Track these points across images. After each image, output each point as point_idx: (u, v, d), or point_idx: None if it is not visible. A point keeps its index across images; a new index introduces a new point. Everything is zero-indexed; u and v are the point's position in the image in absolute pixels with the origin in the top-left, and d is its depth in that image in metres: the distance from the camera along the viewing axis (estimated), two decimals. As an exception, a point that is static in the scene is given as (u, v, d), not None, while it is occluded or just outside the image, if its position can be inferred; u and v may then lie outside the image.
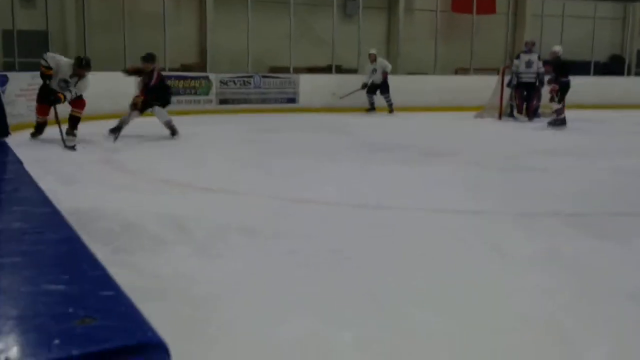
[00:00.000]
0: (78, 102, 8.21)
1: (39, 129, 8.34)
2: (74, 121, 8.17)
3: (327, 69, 15.08)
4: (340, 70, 15.30)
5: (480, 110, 12.47)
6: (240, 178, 6.15)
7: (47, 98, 8.04)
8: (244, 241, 3.95)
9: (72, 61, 8.12)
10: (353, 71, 15.34)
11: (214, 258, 3.61)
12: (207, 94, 12.95)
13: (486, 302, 3.05)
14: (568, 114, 11.59)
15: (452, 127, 11.00)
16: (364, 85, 13.54)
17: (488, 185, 6.08)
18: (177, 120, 8.94)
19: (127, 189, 5.49)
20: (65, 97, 8.02)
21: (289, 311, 2.85)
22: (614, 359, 2.52)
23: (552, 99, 10.89)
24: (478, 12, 17.01)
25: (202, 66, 14.43)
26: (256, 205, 5.01)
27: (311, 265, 3.48)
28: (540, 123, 11.52)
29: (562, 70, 10.95)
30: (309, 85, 13.97)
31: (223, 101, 13.18)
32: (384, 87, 13.53)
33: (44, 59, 8.00)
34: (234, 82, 13.30)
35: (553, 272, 3.46)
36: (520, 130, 10.90)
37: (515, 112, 12.23)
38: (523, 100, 12.14)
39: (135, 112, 8.41)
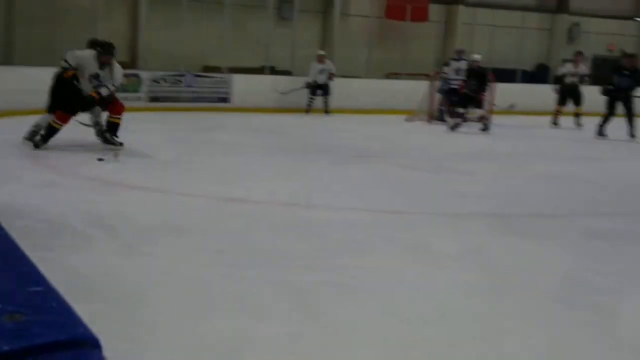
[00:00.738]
0: (115, 107, 7.18)
1: (49, 135, 7.02)
2: (114, 127, 7.16)
3: (260, 70, 15.05)
4: (274, 71, 15.30)
5: (411, 114, 12.73)
6: (169, 177, 6.07)
7: (79, 104, 7.01)
8: (171, 240, 3.91)
9: (92, 51, 7.02)
10: (287, 73, 15.37)
11: (140, 256, 3.56)
12: (136, 91, 12.70)
13: (410, 297, 3.13)
14: (499, 119, 12.02)
15: (384, 129, 11.16)
16: (308, 85, 13.61)
17: (416, 186, 6.21)
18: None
19: (50, 185, 5.34)
20: (100, 94, 6.95)
21: (216, 309, 2.86)
22: (528, 352, 2.63)
23: (479, 106, 11.22)
24: (411, 19, 17.35)
25: (132, 64, 14.14)
26: (185, 204, 4.96)
27: (239, 264, 3.48)
28: (468, 128, 11.86)
29: (484, 77, 11.35)
30: (243, 86, 13.89)
31: (154, 99, 12.96)
32: (326, 89, 13.62)
33: (64, 60, 6.91)
34: (165, 80, 13.10)
35: (475, 269, 3.58)
36: (449, 134, 11.18)
37: (445, 117, 12.52)
38: (452, 106, 12.47)
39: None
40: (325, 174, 6.65)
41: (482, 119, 11.16)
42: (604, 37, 20.36)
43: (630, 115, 10.47)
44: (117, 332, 2.48)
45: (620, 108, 10.49)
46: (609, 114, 10.56)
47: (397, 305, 3.01)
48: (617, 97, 10.50)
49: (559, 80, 12.91)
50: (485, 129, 11.07)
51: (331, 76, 13.55)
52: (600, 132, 10.57)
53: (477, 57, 11.79)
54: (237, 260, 3.55)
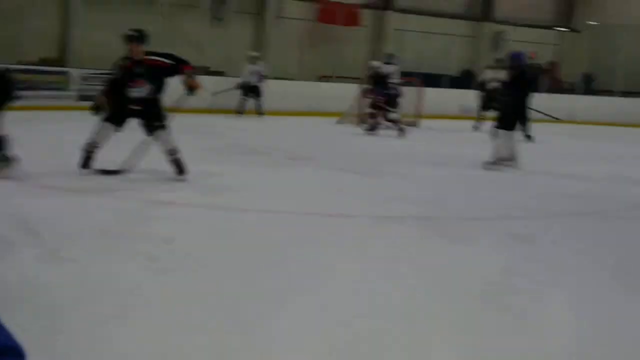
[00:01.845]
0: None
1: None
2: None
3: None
4: (208, 72, 15.21)
5: (342, 117, 12.91)
6: (97, 179, 5.88)
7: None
8: (97, 245, 3.86)
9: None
10: (221, 73, 15.32)
11: (64, 262, 3.50)
12: (65, 89, 12.41)
13: (343, 299, 3.19)
14: (427, 122, 12.40)
15: (316, 132, 11.30)
16: (239, 86, 13.60)
17: (349, 188, 6.30)
18: (33, 116, 8.49)
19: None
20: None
21: (141, 317, 2.84)
22: (460, 353, 2.73)
23: (380, 109, 11.56)
24: (343, 24, 17.58)
25: (62, 61, 13.81)
26: (113, 208, 4.87)
27: (167, 270, 3.47)
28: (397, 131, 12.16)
29: (382, 82, 11.76)
30: (175, 85, 13.74)
31: (84, 97, 12.67)
32: (258, 91, 13.65)
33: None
34: (95, 78, 12.84)
35: (408, 272, 3.67)
36: (379, 137, 11.41)
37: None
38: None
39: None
40: (260, 176, 6.66)
41: (395, 122, 11.49)
42: (526, 45, 21.12)
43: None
44: (36, 345, 2.46)
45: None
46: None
47: (330, 309, 3.06)
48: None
49: (481, 86, 13.38)
50: (400, 131, 11.36)
51: (262, 78, 13.60)
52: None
53: (375, 63, 12.28)
54: (166, 266, 3.54)
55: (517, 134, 8.08)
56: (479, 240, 4.52)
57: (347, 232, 4.57)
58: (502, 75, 12.65)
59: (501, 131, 7.58)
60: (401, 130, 11.33)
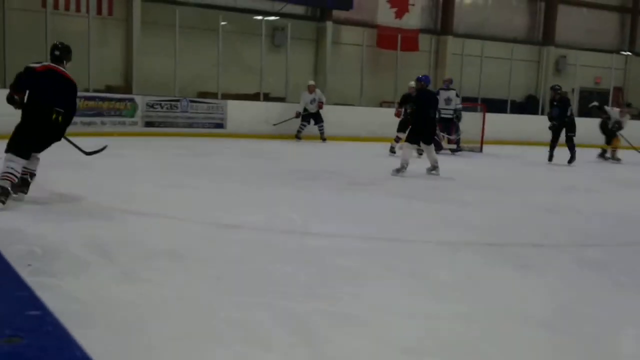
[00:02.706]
0: None
1: None
2: None
3: (255, 96, 15.18)
4: (268, 98, 15.43)
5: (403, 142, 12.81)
6: (167, 201, 6.09)
7: None
8: (170, 266, 3.92)
9: None
10: (281, 99, 15.51)
11: (139, 282, 3.57)
12: (132, 116, 12.76)
13: (405, 326, 3.13)
14: (489, 148, 12.23)
15: (377, 157, 11.25)
16: (298, 114, 13.86)
17: (411, 214, 6.26)
18: (101, 141, 8.74)
19: (49, 211, 5.35)
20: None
21: (217, 337, 2.85)
22: None
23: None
24: (402, 49, 17.60)
25: (127, 88, 14.23)
26: (183, 230, 4.98)
27: (238, 291, 3.49)
28: (458, 156, 12.02)
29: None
30: (237, 112, 14.01)
31: (149, 124, 13.02)
32: (318, 117, 13.90)
33: None
34: (160, 105, 13.18)
35: (470, 299, 3.61)
36: (442, 162, 11.28)
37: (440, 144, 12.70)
38: (443, 134, 12.62)
39: None
40: (321, 200, 6.69)
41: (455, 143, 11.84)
42: (590, 69, 20.68)
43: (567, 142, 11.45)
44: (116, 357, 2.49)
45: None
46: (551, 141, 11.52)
47: (393, 335, 3.01)
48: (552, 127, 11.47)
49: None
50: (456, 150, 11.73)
51: (321, 105, 13.79)
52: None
53: (412, 83, 12.07)
54: (236, 287, 3.56)
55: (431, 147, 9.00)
56: (544, 268, 4.41)
57: (411, 257, 4.52)
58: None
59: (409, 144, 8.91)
60: (452, 150, 11.40)
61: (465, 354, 2.86)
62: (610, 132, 12.27)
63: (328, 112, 14.08)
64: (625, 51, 22.28)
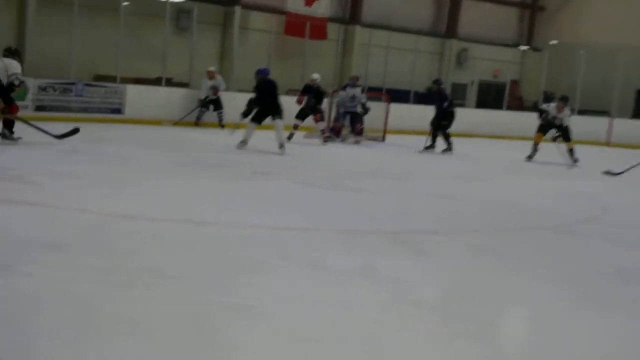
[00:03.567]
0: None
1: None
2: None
3: (156, 81, 14.70)
4: (170, 83, 14.99)
5: (309, 132, 12.83)
6: (54, 190, 5.76)
7: None
8: (52, 258, 3.70)
9: None
10: (184, 85, 15.11)
11: (16, 276, 3.34)
12: (22, 99, 12.03)
13: (304, 313, 3.12)
14: (392, 138, 12.46)
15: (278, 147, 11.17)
16: (200, 102, 13.63)
17: (310, 202, 6.25)
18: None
19: None
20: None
21: (107, 334, 2.71)
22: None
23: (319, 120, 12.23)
24: (310, 37, 17.58)
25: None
26: (70, 220, 4.71)
27: (129, 284, 3.33)
28: (363, 146, 12.17)
29: (320, 97, 12.20)
30: (137, 97, 13.52)
31: (40, 108, 12.34)
32: (218, 104, 13.69)
33: None
34: (53, 88, 12.52)
35: (368, 286, 3.63)
36: (346, 151, 11.38)
37: (342, 135, 12.79)
38: (347, 125, 12.80)
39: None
40: (223, 190, 6.55)
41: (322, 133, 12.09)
42: (489, 63, 21.45)
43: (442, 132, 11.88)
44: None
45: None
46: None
47: (292, 323, 2.99)
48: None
49: None
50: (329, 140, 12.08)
51: (217, 91, 13.63)
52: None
53: (315, 76, 12.44)
54: (127, 280, 3.40)
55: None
56: (441, 253, 4.52)
57: (314, 247, 4.49)
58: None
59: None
60: (326, 140, 11.95)
61: (361, 340, 2.87)
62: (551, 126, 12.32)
63: (234, 99, 13.84)
64: (523, 45, 23.23)
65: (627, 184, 9.07)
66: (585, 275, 4.25)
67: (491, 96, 21.53)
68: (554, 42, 21.19)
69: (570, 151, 11.04)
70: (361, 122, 12.81)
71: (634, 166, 9.68)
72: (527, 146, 11.50)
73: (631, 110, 20.52)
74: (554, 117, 11.13)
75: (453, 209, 6.39)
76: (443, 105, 11.79)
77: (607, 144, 10.43)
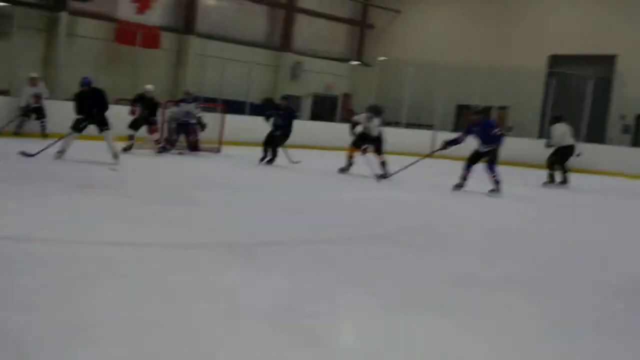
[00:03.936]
0: None
1: None
2: None
3: (-27, 88, 13.56)
4: (-11, 90, 13.90)
5: (141, 142, 12.48)
6: None
7: None
8: None
9: None
10: (4, 92, 14.08)
11: None
12: None
13: (140, 331, 3.04)
14: (228, 149, 12.45)
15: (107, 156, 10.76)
16: (21, 110, 12.78)
17: (138, 217, 6.01)
18: None
19: None
20: None
21: None
22: None
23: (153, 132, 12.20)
24: (142, 45, 17.11)
25: None
26: None
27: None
28: (199, 157, 12.05)
29: (153, 107, 12.13)
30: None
31: None
32: (40, 112, 12.95)
33: None
34: None
35: (202, 300, 3.60)
36: (179, 163, 11.20)
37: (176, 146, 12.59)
38: (177, 137, 12.63)
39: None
40: (48, 205, 6.19)
41: (157, 143, 12.06)
42: (323, 76, 22.20)
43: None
44: None
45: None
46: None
47: (129, 344, 2.90)
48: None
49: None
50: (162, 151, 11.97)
51: (37, 99, 12.91)
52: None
53: (149, 87, 12.37)
54: None
55: None
56: (273, 266, 4.56)
57: (146, 263, 4.37)
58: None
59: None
60: (161, 150, 11.87)
61: (192, 356, 2.84)
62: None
63: (58, 108, 13.09)
64: (354, 61, 24.29)
65: (447, 194, 9.77)
66: (409, 282, 4.53)
67: (325, 109, 22.29)
68: (383, 58, 22.41)
69: (382, 164, 10.77)
70: (195, 133, 12.71)
71: (406, 167, 10.34)
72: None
73: (452, 124, 22.19)
74: (366, 128, 10.98)
75: (289, 220, 6.52)
76: (292, 119, 11.89)
77: (431, 155, 11.25)
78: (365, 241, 5.83)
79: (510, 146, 11.43)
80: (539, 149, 12.69)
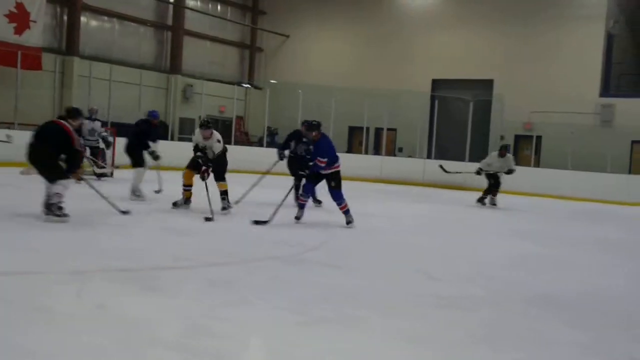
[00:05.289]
0: None
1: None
2: None
3: None
4: None
5: (28, 167, 11.81)
6: None
7: None
8: None
9: None
10: None
11: None
12: None
13: None
14: (122, 173, 12.07)
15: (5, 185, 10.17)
16: None
17: (32, 244, 5.74)
18: None
19: None
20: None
21: None
22: None
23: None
24: (23, 67, 16.33)
25: None
26: None
27: None
28: (104, 181, 11.62)
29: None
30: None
31: None
32: None
33: None
34: None
35: (101, 329, 3.48)
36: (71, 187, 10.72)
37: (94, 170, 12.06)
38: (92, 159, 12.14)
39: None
40: None
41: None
42: (215, 99, 22.09)
43: None
44: None
45: None
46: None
47: None
48: None
49: None
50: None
51: None
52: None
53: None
54: None
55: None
56: (178, 288, 4.50)
57: (37, 291, 4.18)
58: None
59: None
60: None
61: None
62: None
63: None
64: (245, 83, 24.35)
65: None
66: (308, 299, 4.57)
67: (219, 131, 22.09)
68: (274, 81, 22.62)
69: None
70: (104, 156, 12.33)
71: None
72: (252, 180, 11.80)
73: (345, 144, 22.66)
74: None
75: (189, 244, 6.40)
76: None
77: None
78: (267, 262, 5.82)
79: (400, 166, 11.82)
80: (430, 168, 13.16)
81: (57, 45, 18.91)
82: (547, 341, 3.91)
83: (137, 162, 9.72)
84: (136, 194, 9.49)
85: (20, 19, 17.02)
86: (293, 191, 9.00)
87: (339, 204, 8.32)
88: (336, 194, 8.30)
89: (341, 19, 23.92)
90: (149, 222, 7.67)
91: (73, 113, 7.41)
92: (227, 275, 5.13)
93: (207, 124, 8.69)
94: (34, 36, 17.45)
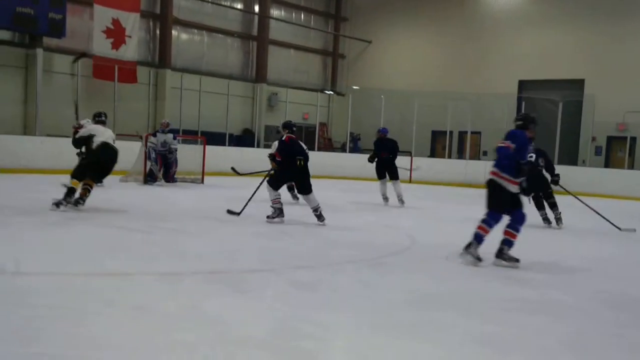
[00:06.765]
0: None
1: None
2: None
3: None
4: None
5: (126, 175, 12.55)
6: None
7: None
8: None
9: None
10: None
11: None
12: None
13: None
14: (211, 179, 12.50)
15: (97, 190, 10.79)
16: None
17: (134, 246, 6.14)
18: None
19: None
20: None
21: None
22: None
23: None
24: (119, 81, 17.24)
25: None
26: None
27: None
28: (182, 188, 12.13)
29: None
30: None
31: None
32: None
33: None
34: None
35: (194, 327, 3.68)
36: (163, 193, 11.26)
37: (158, 177, 12.69)
38: (162, 168, 12.76)
39: None
40: (23, 238, 6.24)
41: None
42: (299, 106, 22.48)
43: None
44: None
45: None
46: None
47: None
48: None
49: None
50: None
51: None
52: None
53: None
54: None
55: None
56: (264, 291, 4.67)
57: (133, 291, 4.46)
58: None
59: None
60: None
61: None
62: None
63: (35, 144, 13.10)
64: (328, 90, 24.64)
65: (430, 218, 9.96)
66: (392, 303, 4.66)
67: (302, 138, 22.49)
68: (356, 87, 22.79)
69: None
70: (175, 165, 12.89)
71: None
72: (336, 185, 12.09)
73: (429, 149, 22.54)
74: None
75: (275, 247, 6.63)
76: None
77: (410, 180, 11.54)
78: (350, 265, 5.95)
79: (485, 170, 11.58)
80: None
81: (151, 59, 19.78)
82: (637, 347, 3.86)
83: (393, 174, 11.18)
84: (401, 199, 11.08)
85: (116, 34, 17.94)
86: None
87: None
88: None
89: (423, 23, 23.82)
90: (231, 227, 7.97)
91: None
92: (309, 277, 5.25)
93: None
94: (130, 50, 18.35)
